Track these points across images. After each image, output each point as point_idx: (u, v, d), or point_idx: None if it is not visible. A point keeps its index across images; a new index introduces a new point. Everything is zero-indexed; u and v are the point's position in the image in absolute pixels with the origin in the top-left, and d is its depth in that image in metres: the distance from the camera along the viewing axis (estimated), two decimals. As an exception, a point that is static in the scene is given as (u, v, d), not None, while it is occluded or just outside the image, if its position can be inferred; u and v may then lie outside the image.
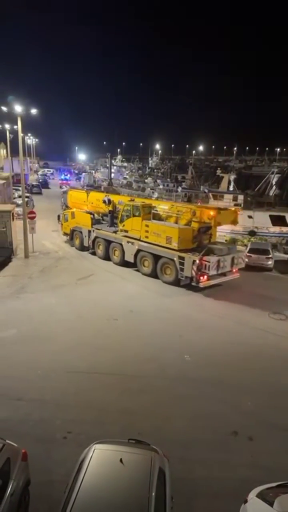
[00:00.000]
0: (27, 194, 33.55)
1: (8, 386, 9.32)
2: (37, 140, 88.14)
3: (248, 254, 20.08)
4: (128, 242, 18.83)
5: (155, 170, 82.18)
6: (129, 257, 18.83)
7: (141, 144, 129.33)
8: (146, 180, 60.68)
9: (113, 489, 5.00)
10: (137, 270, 18.78)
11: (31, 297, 15.05)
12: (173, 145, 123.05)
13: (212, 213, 16.84)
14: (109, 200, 21.09)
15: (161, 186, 48.48)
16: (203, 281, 15.68)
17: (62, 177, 60.89)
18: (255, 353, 11.49)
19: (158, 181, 56.12)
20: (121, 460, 5.34)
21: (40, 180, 59.95)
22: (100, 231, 20.85)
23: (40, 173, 74.57)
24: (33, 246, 21.47)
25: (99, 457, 5.44)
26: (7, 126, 39.23)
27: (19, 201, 28.23)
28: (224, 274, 16.49)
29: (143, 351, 11.30)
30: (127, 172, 79.05)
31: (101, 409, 8.70)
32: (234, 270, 16.84)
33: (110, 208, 20.97)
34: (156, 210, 18.51)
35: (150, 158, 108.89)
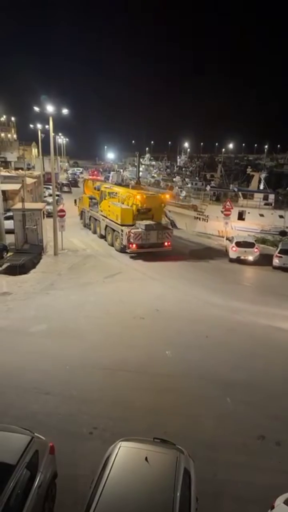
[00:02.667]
0: (57, 193, 34.21)
1: (37, 380, 9.53)
2: (67, 139, 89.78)
3: (278, 255, 19.62)
4: (102, 219, 24.39)
5: (183, 169, 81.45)
6: (103, 231, 24.30)
7: (169, 142, 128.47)
8: (174, 179, 60.28)
9: (138, 488, 4.99)
10: (168, 272, 19.05)
11: (60, 294, 15.33)
12: (202, 143, 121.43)
13: (138, 197, 22.00)
14: (98, 188, 26.94)
15: (189, 185, 47.99)
16: (131, 248, 20.78)
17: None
18: (286, 357, 11.17)
19: (187, 179, 55.59)
20: (146, 459, 5.33)
21: (70, 179, 61.12)
22: (91, 211, 26.73)
23: (70, 172, 75.98)
24: (62, 244, 21.86)
25: (125, 455, 5.46)
26: (39, 125, 40.08)
27: (50, 200, 28.87)
28: (154, 246, 21.11)
29: (169, 350, 11.24)
30: (155, 170, 79.00)
31: (126, 406, 8.74)
32: (166, 244, 21.33)
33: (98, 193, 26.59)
34: (116, 194, 24.34)
35: (178, 157, 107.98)
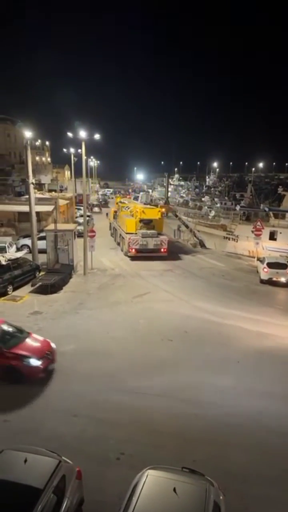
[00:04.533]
0: (88, 213, 35.03)
1: (65, 401, 9.56)
2: (98, 162, 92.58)
3: None
4: (118, 228, 28.86)
5: (212, 189, 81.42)
6: (118, 239, 28.80)
7: (198, 163, 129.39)
8: (203, 199, 60.27)
9: (166, 520, 4.84)
10: (197, 294, 18.90)
11: (89, 313, 15.47)
12: (231, 163, 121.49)
13: (138, 210, 26.40)
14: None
15: (218, 205, 47.79)
16: (131, 252, 24.75)
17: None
18: None
19: (216, 199, 55.39)
20: (174, 490, 5.16)
21: (100, 200, 62.52)
22: (114, 223, 31.60)
23: (100, 193, 77.85)
24: (92, 264, 22.21)
25: (152, 484, 5.32)
26: (71, 149, 41.70)
27: (81, 220, 29.59)
28: (153, 252, 24.89)
29: (197, 375, 10.98)
30: (184, 190, 79.39)
31: (154, 431, 8.56)
32: (162, 250, 25.13)
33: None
34: (128, 208, 28.71)
35: (207, 177, 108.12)
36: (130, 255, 24.90)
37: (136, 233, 25.40)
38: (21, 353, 10.26)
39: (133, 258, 24.81)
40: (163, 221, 28.07)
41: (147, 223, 26.04)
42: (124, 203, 32.38)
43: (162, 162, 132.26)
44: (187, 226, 34.68)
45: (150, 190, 76.67)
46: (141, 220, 25.96)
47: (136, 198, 53.72)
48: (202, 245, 30.92)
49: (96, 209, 50.91)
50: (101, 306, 16.31)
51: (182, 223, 35.57)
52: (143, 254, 24.77)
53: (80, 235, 23.53)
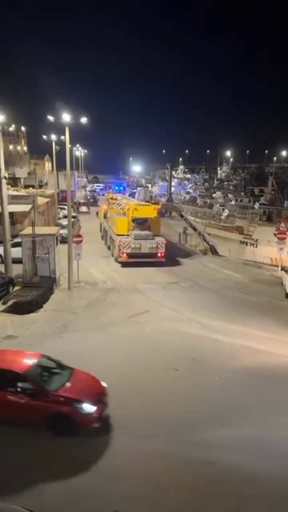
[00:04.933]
0: (74, 214, 35.16)
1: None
2: (85, 151, 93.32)
3: None
4: (108, 230, 30.02)
5: (225, 183, 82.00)
6: (109, 242, 29.71)
7: (207, 151, 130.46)
8: (214, 195, 60.63)
9: None
10: (208, 311, 18.95)
11: (75, 337, 15.42)
12: (248, 151, 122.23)
13: (129, 206, 27.57)
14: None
15: (233, 202, 48.03)
16: (122, 257, 25.42)
17: (117, 188, 65.84)
18: None
19: (230, 195, 55.75)
20: None
21: (89, 197, 62.79)
22: (104, 223, 32.84)
23: (88, 188, 78.25)
24: (78, 275, 22.19)
25: None
26: (53, 136, 41.92)
27: (65, 222, 29.63)
28: (147, 257, 25.62)
29: (210, 413, 10.90)
30: (190, 185, 79.97)
31: (158, 485, 8.46)
32: (159, 255, 25.81)
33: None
34: (119, 205, 30.30)
35: (219, 168, 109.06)
36: (120, 260, 25.79)
37: (128, 235, 26.29)
38: (71, 396, 9.95)
39: (125, 264, 25.65)
40: (160, 220, 28.98)
41: (141, 223, 26.95)
42: (115, 199, 33.88)
43: (164, 151, 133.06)
44: (195, 229, 34.83)
45: (149, 185, 77.12)
46: (134, 220, 26.83)
47: (132, 195, 54.06)
48: (214, 251, 31.01)
49: (83, 208, 51.13)
50: (90, 328, 16.29)
51: (189, 225, 35.74)
52: (136, 260, 25.56)
53: (63, 240, 23.54)
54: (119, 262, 25.93)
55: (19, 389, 10.04)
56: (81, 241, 22.23)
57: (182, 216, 41.29)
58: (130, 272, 24.87)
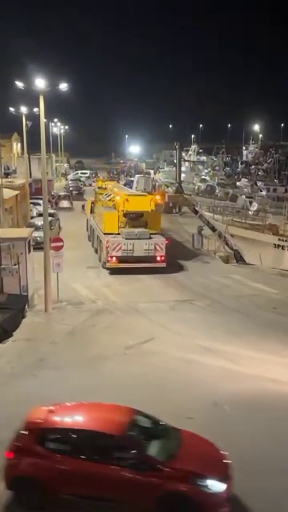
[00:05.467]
0: (51, 211, 35.15)
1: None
2: (67, 128, 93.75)
3: None
4: (95, 228, 31.14)
5: (252, 166, 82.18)
6: (96, 243, 30.86)
7: (229, 125, 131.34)
8: (238, 183, 60.77)
9: None
10: (233, 338, 19.05)
11: (54, 376, 15.29)
12: (282, 125, 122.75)
13: (119, 197, 28.43)
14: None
15: (263, 192, 48.00)
16: (111, 262, 26.32)
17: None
18: None
19: (259, 184, 55.69)
20: None
21: (71, 188, 62.89)
22: (91, 219, 34.00)
23: (70, 177, 78.53)
24: (58, 293, 22.11)
25: None
26: (23, 109, 41.97)
27: (40, 222, 29.58)
28: (143, 261, 26.35)
29: (236, 476, 10.67)
30: (206, 170, 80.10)
31: None
32: (159, 258, 26.49)
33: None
34: (108, 196, 31.29)
35: (244, 148, 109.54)
36: (109, 266, 26.69)
37: (119, 233, 27.17)
38: (191, 469, 9.42)
39: (114, 271, 26.52)
40: (160, 215, 30.01)
41: (135, 218, 27.96)
42: (103, 188, 35.06)
43: (171, 126, 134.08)
44: (213, 229, 34.77)
45: (152, 171, 77.23)
46: (126, 214, 27.83)
47: (129, 185, 54.06)
48: (239, 258, 30.97)
49: (64, 203, 51.25)
50: (75, 364, 16.21)
51: (205, 224, 35.71)
52: (128, 265, 26.43)
53: (38, 246, 23.47)
54: (107, 269, 26.68)
55: (114, 460, 9.46)
56: (61, 247, 22.14)
57: (196, 212, 41.32)
58: (127, 286, 24.90)
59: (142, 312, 21.28)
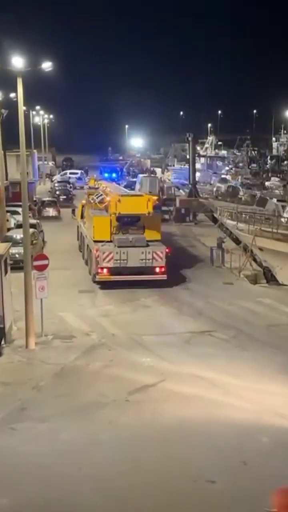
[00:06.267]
0: (33, 221, 35.21)
1: None
2: (52, 118, 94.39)
3: None
4: (85, 236, 33.19)
5: (285, 162, 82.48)
6: (86, 254, 32.79)
7: (254, 112, 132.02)
8: (267, 183, 60.98)
9: None
10: (265, 377, 19.11)
11: (38, 430, 15.23)
12: None
13: (109, 198, 30.12)
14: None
15: (299, 194, 48.03)
16: (101, 274, 27.78)
17: (106, 175, 68.53)
18: None
19: (294, 184, 55.83)
20: None
21: (58, 193, 63.12)
22: (82, 225, 35.95)
23: (57, 178, 78.86)
24: (43, 324, 22.08)
25: None
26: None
27: (18, 236, 29.65)
28: (139, 273, 27.87)
29: None
30: (227, 168, 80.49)
31: None
32: (158, 270, 27.87)
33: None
34: (98, 197, 32.72)
35: (274, 139, 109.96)
36: (99, 279, 28.26)
37: (111, 241, 28.69)
38: None
39: (105, 285, 28.00)
40: (160, 219, 31.86)
41: (130, 223, 29.50)
42: (95, 188, 37.17)
43: (182, 113, 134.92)
44: (237, 241, 34.78)
45: (158, 170, 77.54)
46: (119, 218, 29.14)
47: (130, 187, 54.20)
48: (270, 278, 30.94)
49: (49, 211, 51.56)
50: (64, 414, 16.15)
51: (226, 235, 35.73)
52: (122, 278, 28.00)
53: (17, 266, 23.50)
54: (97, 283, 28.25)
55: None
56: (45, 267, 22.24)
57: (215, 220, 41.37)
58: (130, 315, 25.09)
59: (149, 348, 21.27)
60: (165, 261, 27.83)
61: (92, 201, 33.12)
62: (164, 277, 27.90)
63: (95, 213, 30.75)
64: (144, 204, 28.83)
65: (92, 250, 28.84)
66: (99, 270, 27.45)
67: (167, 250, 28.33)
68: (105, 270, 27.35)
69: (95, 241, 28.76)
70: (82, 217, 36.52)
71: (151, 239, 28.76)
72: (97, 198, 32.80)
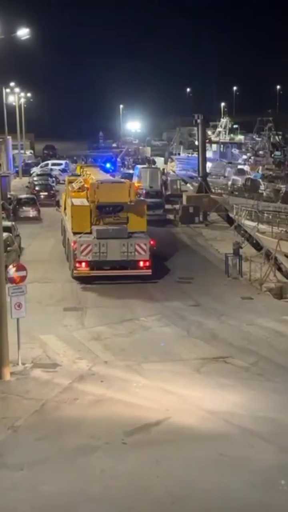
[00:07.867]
0: (8, 224, 35.24)
1: None
2: (29, 96, 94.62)
3: None
4: (66, 228, 36.21)
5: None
6: (67, 246, 35.64)
7: (278, 87, 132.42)
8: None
9: None
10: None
11: (14, 480, 15.17)
12: None
13: (87, 185, 33.21)
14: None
15: None
16: (79, 269, 30.36)
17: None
18: None
19: None
20: None
21: (37, 188, 63.21)
22: (64, 217, 39.28)
23: (37, 171, 78.96)
24: (19, 350, 22.16)
25: None
26: None
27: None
28: (120, 267, 30.85)
29: None
30: (245, 156, 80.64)
31: None
32: (142, 264, 30.41)
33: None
34: (77, 184, 35.63)
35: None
36: (77, 274, 31.06)
37: (91, 232, 31.20)
38: None
39: (85, 280, 30.54)
40: (145, 209, 33.84)
41: (112, 212, 32.00)
42: (76, 176, 40.51)
43: (189, 90, 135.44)
44: (258, 246, 34.86)
45: (161, 160, 77.65)
46: (99, 207, 31.78)
47: (128, 177, 54.27)
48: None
49: (27, 211, 51.57)
50: (46, 460, 16.09)
51: (244, 238, 35.86)
52: (102, 273, 30.81)
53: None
54: (75, 278, 29.42)
55: None
56: (23, 279, 22.30)
57: (230, 220, 41.44)
58: (126, 337, 25.13)
59: (150, 377, 21.30)
60: (150, 254, 29.70)
61: (71, 189, 35.13)
62: (149, 272, 30.59)
63: (74, 202, 33.10)
64: (125, 192, 30.87)
65: (70, 242, 31.27)
66: (77, 264, 30.04)
67: (151, 242, 30.05)
68: (83, 264, 30.02)
69: (74, 233, 31.33)
70: (65, 209, 38.78)
71: (135, 230, 30.57)
72: (75, 185, 34.78)
